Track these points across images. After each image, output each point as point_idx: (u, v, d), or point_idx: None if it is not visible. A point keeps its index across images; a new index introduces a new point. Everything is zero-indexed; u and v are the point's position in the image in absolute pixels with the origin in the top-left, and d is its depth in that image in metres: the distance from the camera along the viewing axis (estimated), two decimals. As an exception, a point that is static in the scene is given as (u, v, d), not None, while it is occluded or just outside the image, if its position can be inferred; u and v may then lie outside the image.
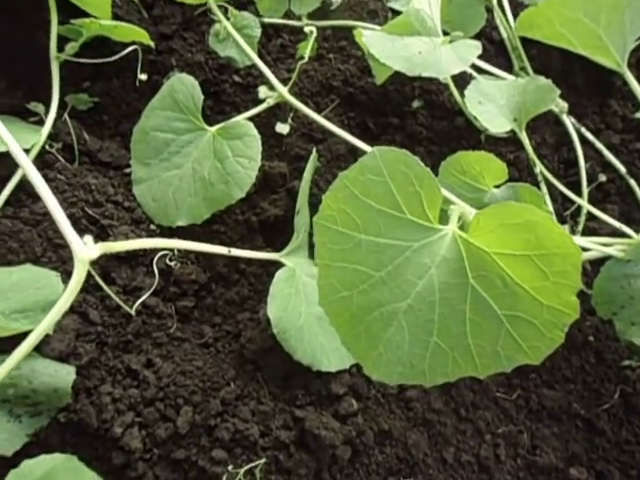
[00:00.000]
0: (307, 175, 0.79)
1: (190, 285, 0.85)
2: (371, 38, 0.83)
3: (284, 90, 0.91)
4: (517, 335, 0.50)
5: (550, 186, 0.96)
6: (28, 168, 0.60)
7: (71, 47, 0.83)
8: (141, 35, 0.86)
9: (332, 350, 0.78)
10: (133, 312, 0.76)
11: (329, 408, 0.78)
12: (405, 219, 0.54)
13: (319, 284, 0.57)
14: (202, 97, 0.83)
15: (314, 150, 0.83)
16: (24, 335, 0.69)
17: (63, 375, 0.70)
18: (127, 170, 0.88)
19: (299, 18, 1.05)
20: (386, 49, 0.83)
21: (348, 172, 0.54)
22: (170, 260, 0.84)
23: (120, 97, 0.94)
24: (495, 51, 1.13)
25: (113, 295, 0.73)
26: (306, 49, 0.92)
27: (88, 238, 0.60)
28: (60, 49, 0.85)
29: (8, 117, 0.85)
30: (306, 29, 0.92)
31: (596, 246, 0.81)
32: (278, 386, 0.78)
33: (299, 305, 0.76)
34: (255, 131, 0.81)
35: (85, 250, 0.58)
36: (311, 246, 0.88)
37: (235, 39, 0.95)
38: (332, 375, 0.79)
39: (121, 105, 0.94)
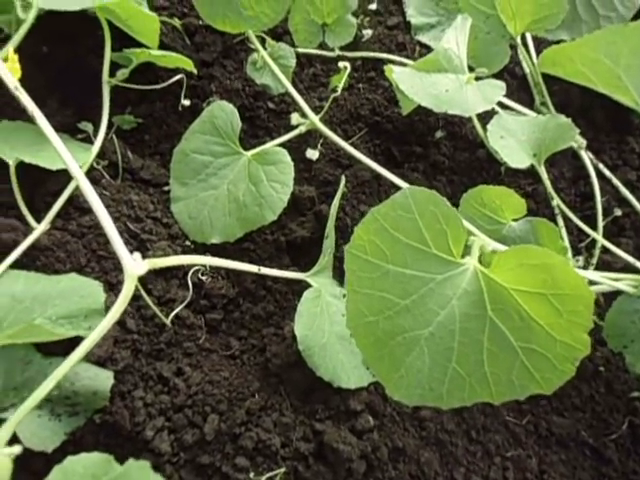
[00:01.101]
0: (336, 201, 0.84)
1: (219, 299, 0.90)
2: (401, 75, 0.89)
3: (316, 118, 0.96)
4: (531, 366, 0.54)
5: (566, 219, 1.00)
6: (85, 186, 0.66)
7: (122, 73, 0.90)
8: (186, 63, 0.93)
9: (351, 368, 0.82)
10: (169, 323, 0.81)
11: (347, 423, 0.82)
12: (430, 253, 0.58)
13: (347, 308, 0.62)
14: (240, 124, 0.89)
15: (343, 177, 0.88)
16: (68, 339, 0.75)
17: (102, 379, 0.75)
18: (166, 188, 0.94)
19: (331, 49, 1.11)
20: (415, 85, 0.88)
21: (380, 207, 0.59)
22: (202, 274, 0.90)
23: (161, 118, 1.01)
24: (517, 85, 1.18)
25: (154, 307, 0.78)
26: (339, 81, 0.98)
27: (137, 255, 0.66)
28: (110, 74, 0.92)
29: (60, 134, 0.91)
30: (340, 64, 0.98)
31: (607, 280, 0.85)
32: (299, 400, 0.83)
33: (323, 324, 0.81)
34: (289, 158, 0.87)
35: (135, 266, 0.63)
36: (334, 267, 0.93)
37: (271, 68, 1.01)
38: (351, 392, 0.83)
39: (162, 126, 1.01)
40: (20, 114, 0.90)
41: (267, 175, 0.85)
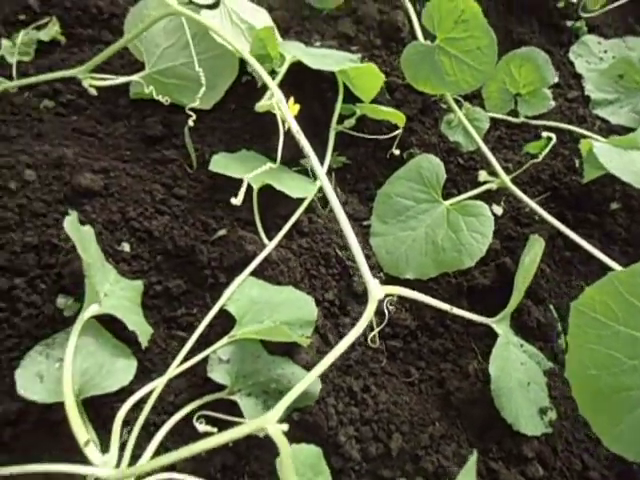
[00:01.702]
0: (528, 259, 0.91)
1: (401, 329, 0.99)
2: (600, 149, 0.96)
3: (507, 178, 1.05)
4: None
5: None
6: (340, 215, 0.79)
7: (348, 122, 1.05)
8: (399, 118, 1.06)
9: (528, 416, 0.87)
10: (377, 342, 0.91)
11: (517, 467, 0.87)
12: (666, 322, 0.63)
13: (569, 358, 0.68)
14: (445, 176, 0.99)
15: (540, 239, 0.94)
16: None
17: (313, 383, 0.86)
18: (365, 223, 1.07)
19: (516, 114, 1.21)
20: (614, 161, 0.95)
21: (618, 273, 0.66)
22: (390, 304, 1.00)
23: (362, 162, 1.14)
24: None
25: (375, 327, 0.88)
26: (537, 149, 1.06)
27: (377, 281, 0.77)
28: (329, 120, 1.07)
29: (283, 167, 1.07)
30: (544, 134, 1.06)
31: None
32: (475, 436, 0.89)
33: (510, 369, 0.87)
34: (489, 213, 0.96)
35: (378, 290, 0.74)
36: (512, 317, 0.99)
37: (466, 128, 1.12)
38: (523, 438, 0.88)
39: (361, 168, 1.14)
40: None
41: (467, 225, 0.95)
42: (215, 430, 0.74)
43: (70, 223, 0.76)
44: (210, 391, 0.87)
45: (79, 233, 0.77)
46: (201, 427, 0.71)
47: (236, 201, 0.80)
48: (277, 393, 0.86)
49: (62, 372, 0.74)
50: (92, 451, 0.64)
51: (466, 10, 1.07)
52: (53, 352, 0.77)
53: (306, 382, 0.70)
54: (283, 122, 0.84)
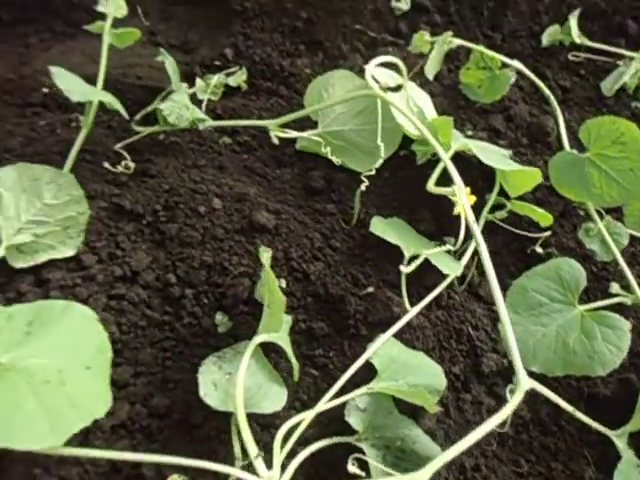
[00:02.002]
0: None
1: (515, 418, 1.03)
2: None
3: (641, 297, 1.09)
4: None
5: None
6: (499, 301, 0.86)
7: (499, 214, 1.14)
8: (547, 219, 1.14)
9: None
10: (506, 428, 0.94)
11: None
12: None
13: None
14: (585, 283, 1.05)
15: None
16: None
17: (434, 449, 0.91)
18: (493, 307, 1.13)
19: (653, 235, 1.25)
20: None
21: None
22: (510, 392, 1.04)
23: (497, 250, 1.22)
24: None
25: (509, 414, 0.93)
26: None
27: (524, 372, 0.83)
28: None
29: (427, 242, 1.16)
30: None
31: None
32: None
33: (629, 486, 0.89)
34: (627, 328, 0.99)
35: (527, 382, 0.80)
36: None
37: (604, 239, 1.17)
38: None
39: (496, 256, 1.21)
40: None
41: (603, 335, 0.99)
42: (364, 474, 0.80)
43: (265, 258, 0.88)
44: (335, 432, 0.94)
45: (268, 264, 0.89)
46: (352, 468, 0.78)
47: (405, 269, 0.89)
48: (399, 451, 0.92)
49: (230, 384, 0.84)
50: (260, 464, 0.72)
51: (626, 133, 1.15)
52: (224, 365, 0.87)
53: (445, 458, 0.75)
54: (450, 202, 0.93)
